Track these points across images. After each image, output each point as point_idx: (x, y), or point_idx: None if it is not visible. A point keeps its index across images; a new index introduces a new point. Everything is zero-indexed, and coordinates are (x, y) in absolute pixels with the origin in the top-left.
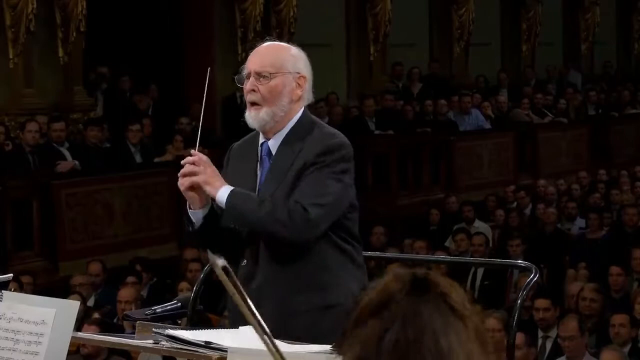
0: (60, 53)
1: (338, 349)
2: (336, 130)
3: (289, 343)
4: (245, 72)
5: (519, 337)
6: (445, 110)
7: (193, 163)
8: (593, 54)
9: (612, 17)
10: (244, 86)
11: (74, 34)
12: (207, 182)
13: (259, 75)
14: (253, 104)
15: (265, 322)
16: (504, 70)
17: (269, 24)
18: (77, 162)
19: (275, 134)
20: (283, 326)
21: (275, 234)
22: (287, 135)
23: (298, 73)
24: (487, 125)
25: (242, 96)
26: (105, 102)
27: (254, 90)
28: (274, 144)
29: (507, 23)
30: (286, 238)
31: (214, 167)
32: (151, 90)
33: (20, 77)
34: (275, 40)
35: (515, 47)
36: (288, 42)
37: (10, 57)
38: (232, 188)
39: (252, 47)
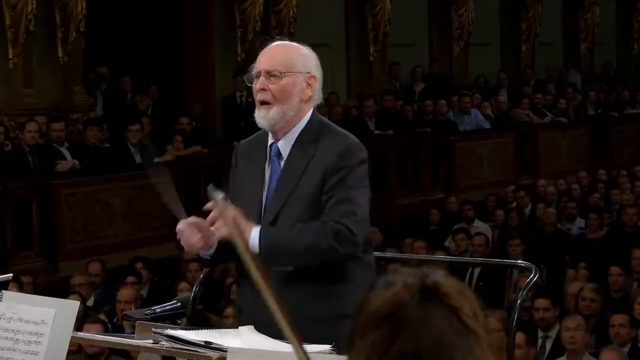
0: (60, 53)
1: (345, 355)
2: (345, 130)
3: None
4: (255, 71)
5: (519, 337)
6: (445, 110)
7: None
8: (593, 54)
9: (612, 17)
10: (253, 85)
11: (74, 34)
12: (236, 234)
13: (269, 74)
14: (263, 102)
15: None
16: (503, 70)
17: (268, 24)
18: (76, 162)
19: (285, 134)
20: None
21: (327, 260)
22: (298, 136)
23: (308, 73)
24: (487, 125)
25: (242, 96)
26: (104, 102)
27: (264, 89)
28: (284, 145)
29: (507, 23)
30: (336, 261)
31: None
32: (151, 90)
33: (20, 77)
34: (285, 40)
35: (515, 47)
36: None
37: (10, 57)
38: (257, 228)
39: (253, 47)
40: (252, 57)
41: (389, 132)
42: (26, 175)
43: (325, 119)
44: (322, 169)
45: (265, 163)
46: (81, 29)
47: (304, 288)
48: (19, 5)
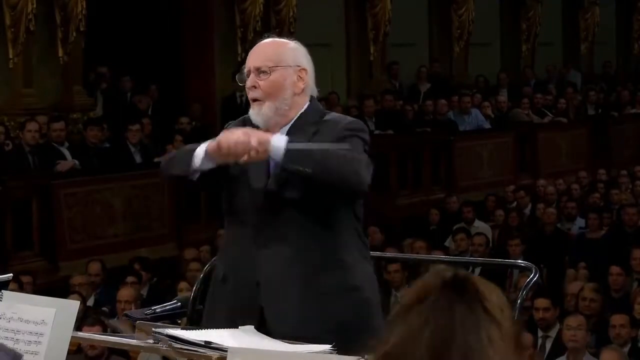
0: (60, 53)
1: (372, 346)
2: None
3: (289, 343)
4: (245, 69)
5: (527, 338)
6: (446, 110)
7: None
8: (593, 54)
9: (612, 17)
10: (245, 84)
11: (74, 34)
12: (260, 139)
13: (258, 70)
14: (255, 100)
15: (293, 306)
16: (504, 70)
17: (268, 24)
18: (77, 162)
19: (281, 127)
20: (311, 309)
21: (353, 175)
22: (295, 122)
23: (298, 66)
24: (487, 125)
25: (242, 96)
26: (104, 102)
27: (254, 87)
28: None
29: (507, 23)
30: (360, 184)
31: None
32: (151, 90)
33: (20, 77)
34: (274, 37)
35: (515, 47)
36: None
37: (10, 57)
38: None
39: (252, 47)
40: None
41: (389, 131)
42: (26, 175)
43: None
44: (328, 141)
45: None
46: (81, 29)
47: (310, 262)
48: (19, 5)
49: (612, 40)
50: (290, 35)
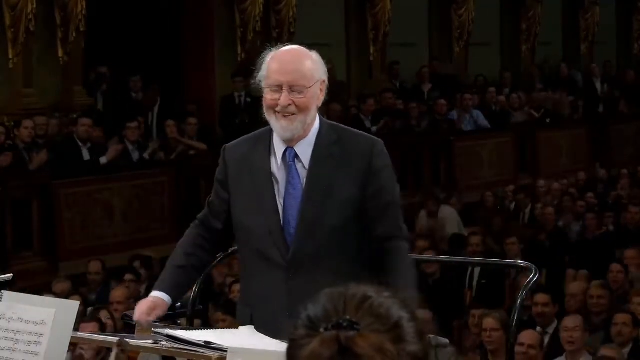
0: (60, 53)
1: None
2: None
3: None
4: (271, 81)
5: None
6: (446, 109)
7: None
8: (593, 54)
9: (612, 17)
10: (267, 95)
11: (74, 34)
12: None
13: (291, 88)
14: (286, 115)
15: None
16: (504, 70)
17: (268, 24)
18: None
19: (300, 139)
20: None
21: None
22: (317, 140)
23: (321, 79)
24: (487, 125)
25: (240, 96)
26: (105, 102)
27: (289, 104)
28: (303, 150)
29: (507, 23)
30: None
31: None
32: (153, 89)
33: (20, 77)
34: (292, 45)
35: (515, 47)
36: (288, 42)
37: (10, 57)
38: None
39: (253, 47)
40: (252, 57)
41: (385, 126)
42: (26, 175)
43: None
44: (359, 172)
45: (271, 167)
46: (81, 29)
47: (328, 284)
48: (19, 5)
49: (612, 40)
50: (290, 35)
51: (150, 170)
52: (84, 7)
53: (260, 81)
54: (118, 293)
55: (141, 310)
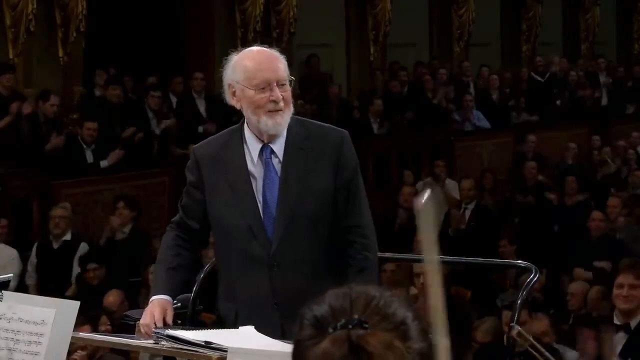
0: (60, 53)
1: None
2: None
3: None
4: (257, 81)
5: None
6: (452, 109)
7: None
8: (593, 54)
9: (612, 17)
10: (253, 95)
11: (74, 34)
12: None
13: (278, 83)
14: (277, 110)
15: (281, 310)
16: (504, 70)
17: (269, 24)
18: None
19: (275, 138)
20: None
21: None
22: (287, 135)
23: (292, 78)
24: (487, 125)
25: None
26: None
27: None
28: (278, 146)
29: (507, 23)
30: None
31: None
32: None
33: (20, 77)
34: (265, 47)
35: (515, 47)
36: (288, 42)
37: (10, 57)
38: None
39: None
40: None
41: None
42: (26, 175)
43: None
44: (331, 164)
45: (247, 165)
46: (81, 29)
47: (323, 271)
48: (19, 5)
49: (612, 40)
50: (290, 35)
51: (150, 170)
52: (84, 7)
53: (235, 84)
54: (109, 299)
55: (156, 318)
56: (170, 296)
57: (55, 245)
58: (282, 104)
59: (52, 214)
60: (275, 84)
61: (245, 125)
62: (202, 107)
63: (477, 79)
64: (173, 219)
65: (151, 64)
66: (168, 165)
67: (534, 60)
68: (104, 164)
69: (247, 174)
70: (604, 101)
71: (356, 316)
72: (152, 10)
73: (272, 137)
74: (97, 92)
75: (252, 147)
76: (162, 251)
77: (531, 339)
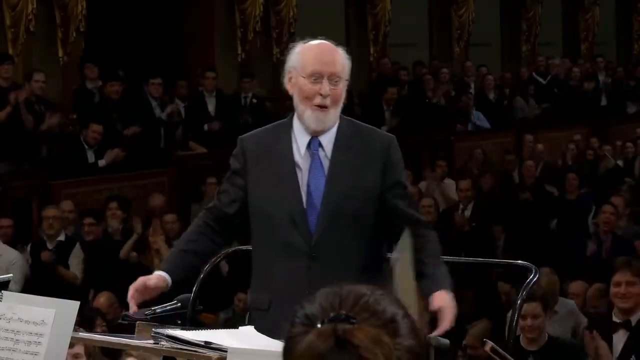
0: (60, 53)
1: None
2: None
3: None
4: (309, 71)
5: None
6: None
7: None
8: (593, 54)
9: (612, 17)
10: (304, 85)
11: (74, 34)
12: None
13: (329, 78)
14: (321, 106)
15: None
16: (504, 70)
17: (269, 24)
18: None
19: (323, 131)
20: None
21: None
22: (338, 132)
23: (348, 78)
24: (487, 125)
25: (246, 97)
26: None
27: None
28: (327, 141)
29: (507, 23)
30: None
31: None
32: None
33: (20, 77)
34: (326, 40)
35: (515, 47)
36: (288, 42)
37: None
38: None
39: (253, 47)
40: (252, 57)
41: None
42: (26, 175)
43: None
44: (380, 163)
45: (294, 156)
46: (81, 29)
47: (364, 268)
48: (19, 5)
49: (612, 40)
50: (290, 35)
51: (151, 170)
52: (84, 7)
53: (292, 70)
54: (100, 300)
55: (135, 287)
56: (170, 275)
57: (50, 246)
58: (328, 100)
59: (46, 214)
60: (326, 78)
61: (295, 117)
62: (211, 105)
63: (476, 79)
64: (207, 205)
65: (151, 63)
66: (169, 165)
67: (534, 60)
68: (101, 162)
69: (293, 164)
70: (604, 101)
71: (344, 312)
72: (152, 10)
73: (321, 131)
74: (89, 85)
75: (300, 138)
76: (185, 234)
77: (507, 355)
